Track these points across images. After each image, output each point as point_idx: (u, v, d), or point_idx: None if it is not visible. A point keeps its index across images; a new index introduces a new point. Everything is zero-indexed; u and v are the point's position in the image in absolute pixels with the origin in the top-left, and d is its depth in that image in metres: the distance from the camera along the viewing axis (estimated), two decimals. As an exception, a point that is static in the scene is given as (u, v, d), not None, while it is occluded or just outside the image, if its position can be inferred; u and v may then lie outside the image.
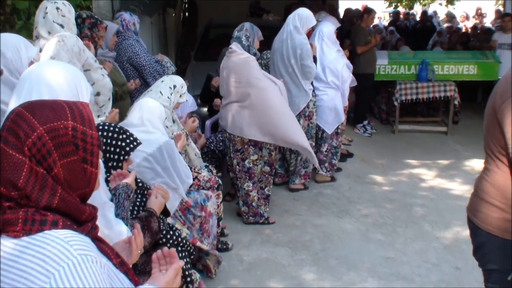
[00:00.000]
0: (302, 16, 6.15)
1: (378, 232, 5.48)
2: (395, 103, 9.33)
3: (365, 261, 4.88)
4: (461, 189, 6.74)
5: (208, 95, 6.52)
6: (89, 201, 1.64)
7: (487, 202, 2.54)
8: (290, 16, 6.24)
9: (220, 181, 4.81)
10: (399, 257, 4.98)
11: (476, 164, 7.64)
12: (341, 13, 13.17)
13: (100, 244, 1.61)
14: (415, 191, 6.77)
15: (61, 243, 1.42)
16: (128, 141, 3.11)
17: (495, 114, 2.43)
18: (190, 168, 4.26)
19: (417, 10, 23.40)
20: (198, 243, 4.06)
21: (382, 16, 25.05)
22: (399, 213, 6.00)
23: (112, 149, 3.07)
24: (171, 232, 3.54)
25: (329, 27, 6.84)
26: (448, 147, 8.82)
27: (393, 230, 5.53)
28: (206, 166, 4.93)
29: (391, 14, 18.13)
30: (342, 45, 8.47)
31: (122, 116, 4.33)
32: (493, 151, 2.51)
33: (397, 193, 6.65)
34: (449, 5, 29.19)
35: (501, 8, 17.01)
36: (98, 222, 1.66)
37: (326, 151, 6.75)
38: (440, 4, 29.36)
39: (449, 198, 6.53)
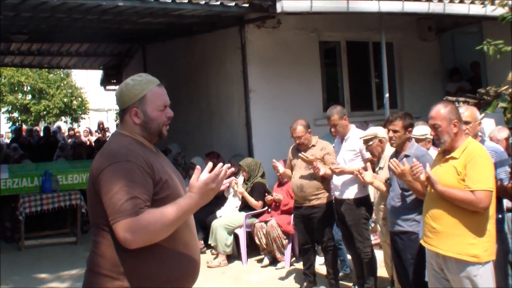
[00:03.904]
0: None
1: None
2: (20, 218, 8.84)
3: None
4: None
5: None
6: None
7: (99, 274, 2.53)
8: None
9: None
10: None
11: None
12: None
13: None
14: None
15: None
16: None
17: (94, 188, 2.49)
18: None
19: (41, 126, 23.41)
20: None
21: (5, 135, 24.40)
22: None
23: None
24: None
25: None
26: (78, 256, 8.62)
27: None
28: None
29: (13, 131, 17.70)
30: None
31: None
32: (98, 224, 2.55)
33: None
34: (74, 122, 30.28)
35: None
36: None
37: None
38: (66, 121, 30.24)
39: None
